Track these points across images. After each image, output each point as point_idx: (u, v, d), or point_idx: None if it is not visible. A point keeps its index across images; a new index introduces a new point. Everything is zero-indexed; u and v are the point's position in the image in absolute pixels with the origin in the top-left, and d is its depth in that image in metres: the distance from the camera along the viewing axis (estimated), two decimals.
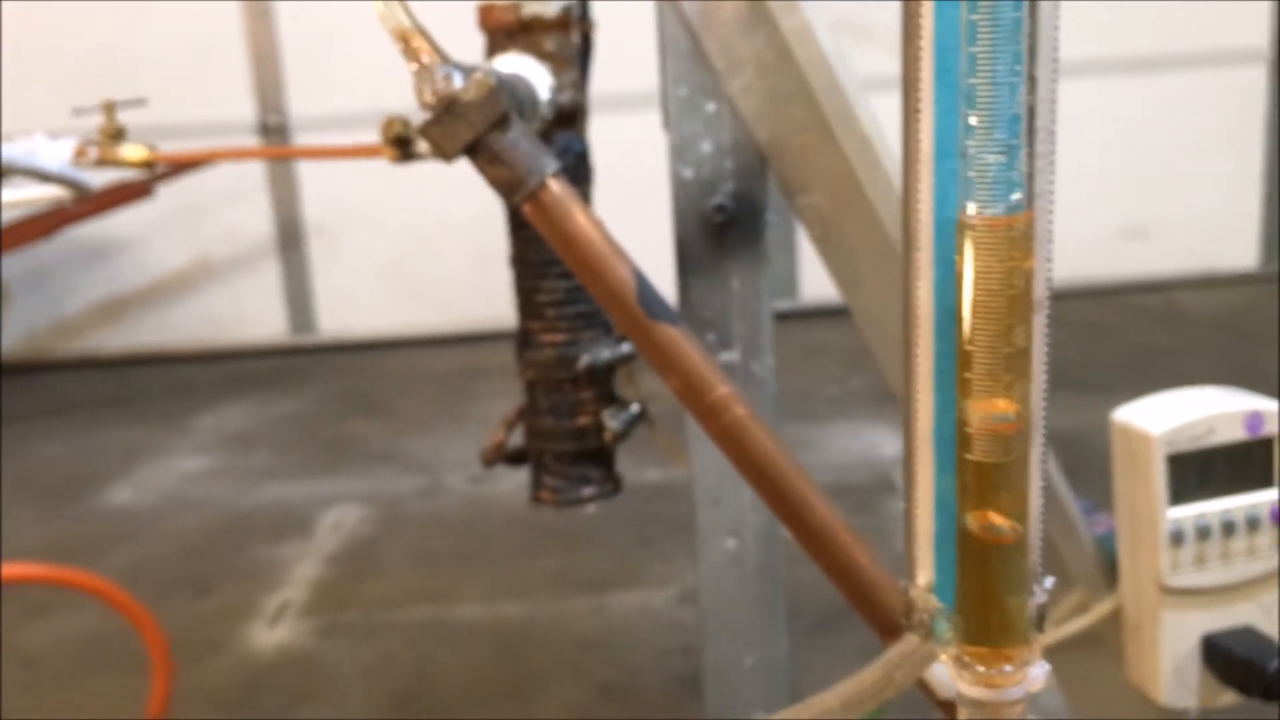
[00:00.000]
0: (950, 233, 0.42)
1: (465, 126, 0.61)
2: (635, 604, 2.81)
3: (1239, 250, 4.81)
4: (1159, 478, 0.88)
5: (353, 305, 4.70)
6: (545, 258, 0.93)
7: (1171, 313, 4.60)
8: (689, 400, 0.64)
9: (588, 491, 1.00)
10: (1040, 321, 0.42)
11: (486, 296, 4.57)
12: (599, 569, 3.00)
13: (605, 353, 0.98)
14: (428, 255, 4.57)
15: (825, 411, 3.81)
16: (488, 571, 3.05)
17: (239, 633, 2.78)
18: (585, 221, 0.62)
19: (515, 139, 0.62)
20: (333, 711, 2.49)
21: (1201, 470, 0.88)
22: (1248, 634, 0.90)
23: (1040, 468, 0.43)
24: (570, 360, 0.98)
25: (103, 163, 1.03)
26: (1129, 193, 4.68)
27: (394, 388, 4.43)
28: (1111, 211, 4.66)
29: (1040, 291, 0.42)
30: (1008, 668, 0.44)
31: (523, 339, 1.02)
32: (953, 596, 0.45)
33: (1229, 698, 0.91)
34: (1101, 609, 0.94)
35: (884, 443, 3.54)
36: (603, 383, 1.00)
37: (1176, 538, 0.88)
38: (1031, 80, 0.40)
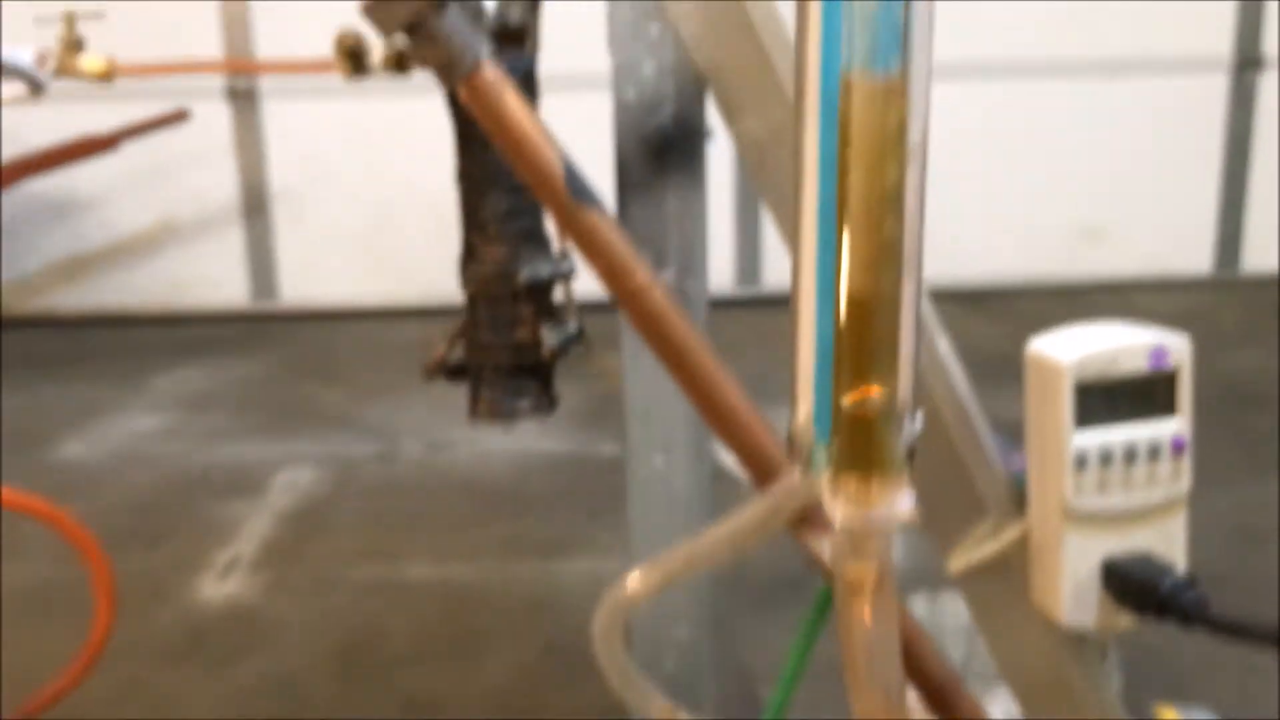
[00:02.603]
0: (835, 81, 0.45)
1: (403, 7, 0.64)
2: (582, 570, 2.83)
3: (1194, 254, 4.90)
4: (1066, 404, 0.92)
5: (316, 273, 4.69)
6: (489, 172, 0.96)
7: (1127, 313, 4.66)
8: (611, 283, 0.67)
9: (523, 405, 1.03)
10: (915, 169, 0.46)
11: (449, 268, 4.56)
12: (547, 536, 3.02)
13: (545, 268, 1.02)
14: (392, 225, 4.58)
15: (777, 392, 3.85)
16: (438, 535, 3.07)
17: (187, 585, 2.79)
18: (517, 105, 0.65)
19: (452, 21, 0.65)
20: (276, 663, 2.50)
21: (1107, 399, 0.93)
22: (1146, 559, 0.95)
23: (915, 299, 0.47)
24: (510, 275, 1.01)
25: (61, 73, 1.05)
26: (1088, 194, 4.76)
27: (353, 356, 4.44)
28: (1070, 212, 4.73)
29: (915, 137, 0.45)
30: (878, 492, 0.47)
31: (466, 254, 1.05)
32: (829, 428, 0.48)
33: (1126, 620, 0.95)
34: (1011, 533, 0.98)
35: None
36: (542, 299, 1.03)
37: (1081, 461, 0.92)
38: None
